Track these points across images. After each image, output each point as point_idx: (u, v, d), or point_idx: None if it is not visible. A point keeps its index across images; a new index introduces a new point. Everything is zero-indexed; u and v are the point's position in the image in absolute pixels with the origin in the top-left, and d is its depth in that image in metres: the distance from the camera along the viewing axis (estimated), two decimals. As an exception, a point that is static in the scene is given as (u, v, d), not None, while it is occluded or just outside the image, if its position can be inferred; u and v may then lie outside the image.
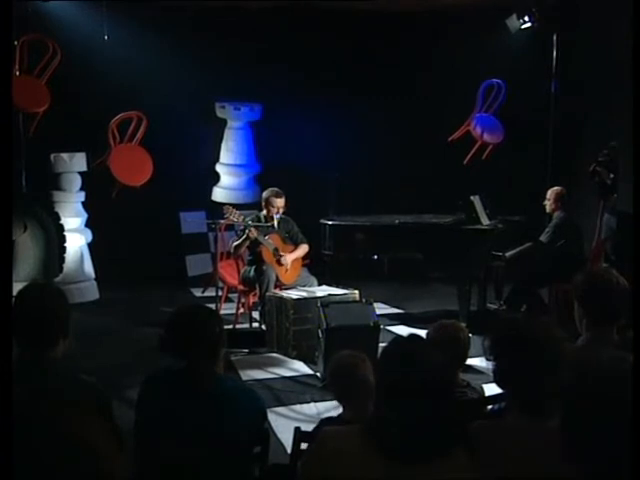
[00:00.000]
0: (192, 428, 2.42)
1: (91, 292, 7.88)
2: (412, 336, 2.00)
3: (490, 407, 2.70)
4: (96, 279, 7.97)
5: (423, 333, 3.08)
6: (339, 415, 2.87)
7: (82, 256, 7.83)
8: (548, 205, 6.76)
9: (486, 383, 3.30)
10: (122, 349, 6.04)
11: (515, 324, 2.12)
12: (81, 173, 7.90)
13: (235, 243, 6.40)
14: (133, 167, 7.81)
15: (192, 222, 8.84)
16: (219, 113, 9.20)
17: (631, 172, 4.04)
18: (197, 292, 8.25)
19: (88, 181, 7.93)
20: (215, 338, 2.53)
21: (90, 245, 7.99)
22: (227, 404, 2.47)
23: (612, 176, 6.65)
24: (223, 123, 9.30)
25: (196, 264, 9.02)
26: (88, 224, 8.04)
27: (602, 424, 1.49)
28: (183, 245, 9.03)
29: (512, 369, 2.03)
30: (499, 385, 2.10)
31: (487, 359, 2.12)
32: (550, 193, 6.76)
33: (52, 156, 7.79)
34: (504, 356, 2.05)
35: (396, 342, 2.00)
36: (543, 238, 6.62)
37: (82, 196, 7.94)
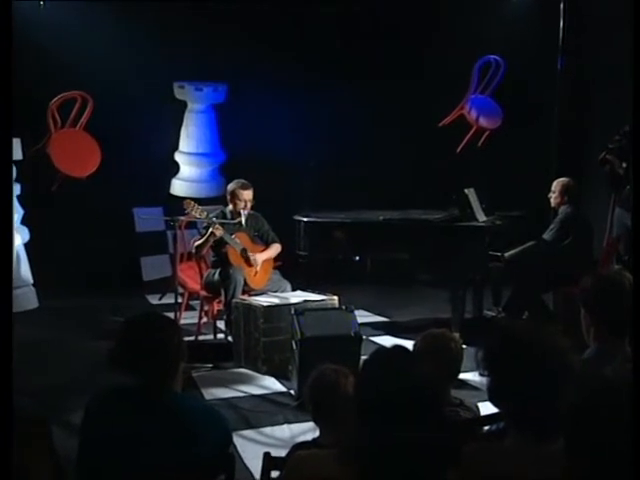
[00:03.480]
0: (146, 454, 2.40)
1: (29, 300, 7.81)
2: (396, 347, 2.01)
3: (487, 428, 2.71)
4: (35, 285, 7.90)
5: (410, 344, 3.11)
6: (315, 439, 2.87)
7: (18, 258, 7.74)
8: (553, 198, 6.76)
9: (482, 401, 3.31)
10: (66, 365, 5.99)
11: (512, 332, 2.11)
12: (16, 162, 7.81)
13: (197, 242, 6.38)
14: (77, 156, 7.76)
15: (147, 219, 8.80)
16: (178, 94, 9.17)
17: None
18: (154, 299, 8.23)
19: (24, 171, 7.83)
20: (173, 351, 2.52)
21: (27, 246, 7.90)
22: (186, 426, 2.46)
23: (625, 165, 6.71)
24: (183, 106, 9.28)
25: (152, 267, 8.98)
26: (24, 221, 7.95)
27: (610, 447, 1.50)
28: (137, 245, 9.00)
29: (509, 385, 2.02)
30: (494, 403, 2.10)
31: (480, 374, 2.12)
32: (555, 185, 6.76)
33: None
34: (500, 370, 2.05)
35: (378, 354, 2.00)
36: (547, 236, 6.66)
37: (17, 189, 7.84)
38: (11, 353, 2.23)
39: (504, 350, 2.06)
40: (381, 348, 2.06)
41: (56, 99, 7.74)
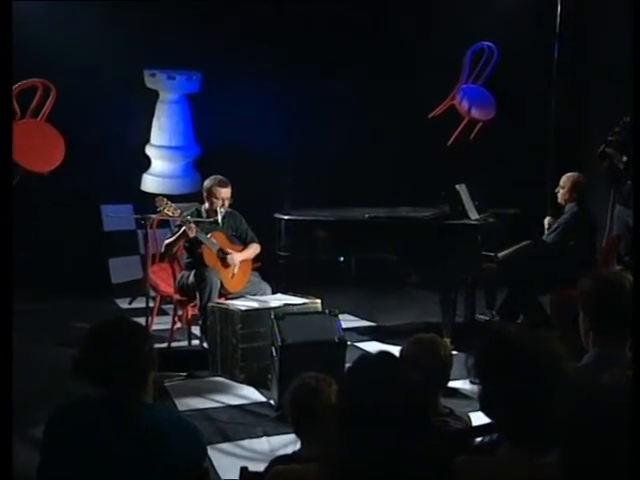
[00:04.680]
0: (113, 472, 2.39)
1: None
2: (381, 354, 2.01)
3: (479, 439, 2.72)
4: (-7, 288, 7.84)
5: (398, 350, 3.11)
6: (295, 452, 2.87)
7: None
8: (561, 194, 6.72)
9: (473, 411, 3.32)
10: (27, 375, 5.94)
11: (505, 337, 2.12)
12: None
13: (167, 240, 6.36)
14: (39, 149, 7.72)
15: (116, 218, 8.77)
16: (149, 83, 9.14)
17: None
18: (123, 303, 8.21)
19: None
20: (142, 360, 2.51)
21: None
22: (158, 440, 2.45)
23: (625, 159, 6.74)
24: (154, 95, 9.24)
25: (122, 269, 8.96)
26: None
27: (607, 460, 1.51)
28: (105, 246, 8.97)
29: (501, 393, 2.03)
30: (486, 413, 2.11)
31: (471, 382, 2.13)
32: (565, 180, 6.70)
33: None
34: (491, 377, 2.05)
35: (362, 361, 2.00)
36: (548, 238, 6.66)
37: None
38: (11, 353, 2.18)
39: (496, 356, 2.06)
40: (365, 354, 2.05)
41: (14, 87, 7.68)
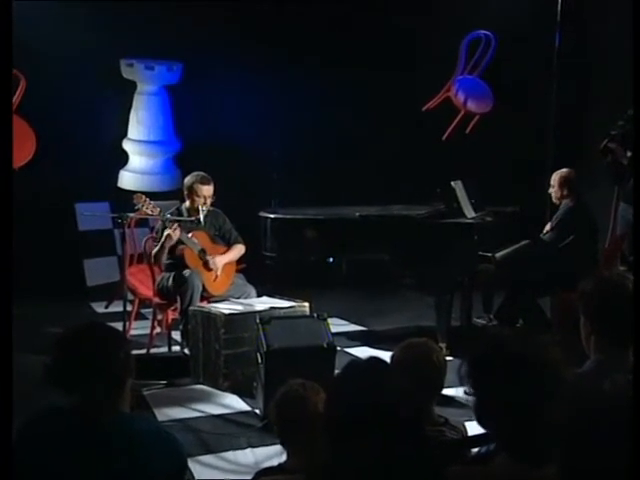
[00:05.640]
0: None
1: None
2: (372, 359, 2.01)
3: (475, 450, 2.72)
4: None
5: (389, 356, 3.12)
6: (280, 464, 2.88)
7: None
8: (553, 193, 6.81)
9: (470, 420, 3.33)
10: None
11: (499, 343, 2.11)
12: None
13: (154, 251, 6.34)
14: (8, 143, 7.69)
15: (92, 216, 8.73)
16: (126, 74, 9.12)
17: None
18: (99, 307, 8.20)
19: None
20: (119, 366, 2.51)
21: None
22: (135, 452, 2.45)
23: (629, 154, 6.77)
24: (131, 87, 9.22)
25: (97, 270, 8.94)
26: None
27: (609, 472, 1.51)
28: (80, 246, 8.94)
29: (496, 403, 2.02)
30: (481, 423, 2.11)
31: (466, 392, 2.13)
32: (554, 178, 6.80)
33: None
34: (487, 386, 2.05)
35: (352, 366, 2.00)
36: (545, 236, 6.71)
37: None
38: (11, 354, 2.35)
39: (491, 364, 2.05)
40: (355, 360, 2.06)
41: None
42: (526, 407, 1.97)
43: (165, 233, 6.18)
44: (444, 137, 8.62)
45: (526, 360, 2.02)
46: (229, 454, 4.72)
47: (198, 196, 6.39)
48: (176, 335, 6.54)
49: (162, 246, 6.25)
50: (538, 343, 2.09)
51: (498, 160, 8.58)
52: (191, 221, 6.37)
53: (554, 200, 6.84)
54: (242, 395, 5.63)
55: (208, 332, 5.85)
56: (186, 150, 9.16)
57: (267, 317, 5.46)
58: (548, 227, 6.89)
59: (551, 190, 6.81)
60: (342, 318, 7.62)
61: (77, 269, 8.85)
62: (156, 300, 6.51)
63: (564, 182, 6.74)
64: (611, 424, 1.55)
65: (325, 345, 5.33)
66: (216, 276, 6.38)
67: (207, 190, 6.40)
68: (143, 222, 7.29)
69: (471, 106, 8.63)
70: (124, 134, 9.24)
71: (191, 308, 6.05)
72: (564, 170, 6.82)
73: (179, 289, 6.20)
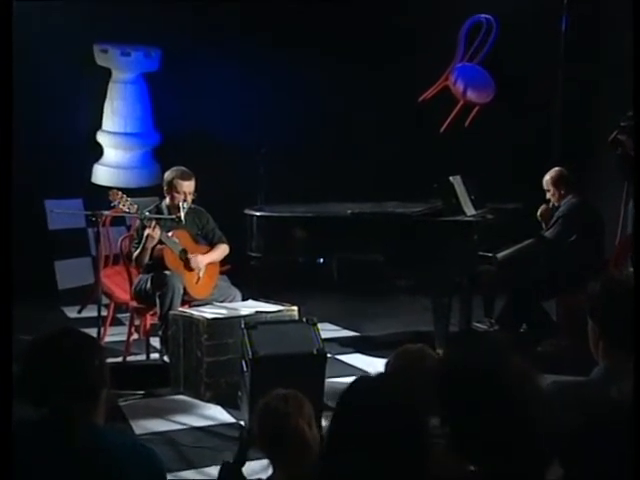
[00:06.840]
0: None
1: None
2: (381, 376, 2.03)
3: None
4: None
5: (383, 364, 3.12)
6: (268, 478, 2.88)
7: None
8: (551, 196, 6.86)
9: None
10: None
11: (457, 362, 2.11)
12: None
13: (135, 254, 6.33)
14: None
15: (63, 214, 8.74)
16: (100, 60, 9.11)
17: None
18: (71, 312, 8.20)
19: None
20: (93, 376, 2.51)
21: None
22: (110, 467, 2.44)
23: (640, 147, 6.80)
24: (106, 75, 9.21)
25: (70, 272, 8.94)
26: None
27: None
28: (50, 246, 8.93)
29: (470, 436, 1.99)
30: (459, 453, 2.07)
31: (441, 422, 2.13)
32: (547, 182, 6.85)
33: None
34: (457, 420, 2.03)
35: (362, 382, 2.03)
36: (548, 233, 6.74)
37: None
38: (11, 354, 2.41)
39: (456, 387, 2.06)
40: (364, 376, 2.10)
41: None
42: (501, 430, 1.93)
43: (145, 233, 6.17)
44: (442, 129, 8.63)
45: (491, 380, 1.99)
46: (212, 469, 4.70)
47: (178, 192, 6.39)
48: (155, 342, 6.55)
49: (144, 247, 6.23)
50: (498, 358, 2.07)
51: (499, 154, 8.59)
52: (171, 219, 6.36)
53: (555, 203, 6.87)
54: (226, 406, 5.63)
55: (189, 338, 5.84)
56: (165, 143, 9.16)
57: (253, 322, 5.47)
58: (539, 212, 6.93)
59: (549, 195, 6.86)
60: (333, 323, 7.63)
61: (47, 271, 8.84)
62: (133, 304, 6.50)
63: (558, 181, 6.80)
64: (619, 433, 1.55)
65: (315, 352, 5.33)
66: (198, 278, 6.38)
67: (188, 186, 6.40)
68: (119, 220, 7.28)
69: (471, 96, 8.65)
70: (98, 125, 9.24)
71: (171, 312, 6.04)
72: (553, 170, 6.90)
73: (158, 292, 6.19)
